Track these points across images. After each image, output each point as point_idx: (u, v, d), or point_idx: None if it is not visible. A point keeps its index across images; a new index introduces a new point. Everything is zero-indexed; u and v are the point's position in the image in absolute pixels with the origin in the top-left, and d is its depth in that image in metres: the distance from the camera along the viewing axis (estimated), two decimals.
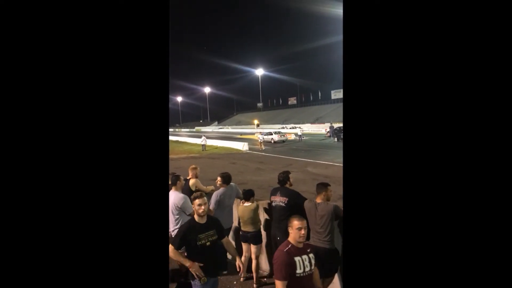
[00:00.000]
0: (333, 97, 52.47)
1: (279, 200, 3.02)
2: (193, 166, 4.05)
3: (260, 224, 3.34)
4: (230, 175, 3.53)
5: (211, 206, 3.30)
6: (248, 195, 3.27)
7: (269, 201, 3.37)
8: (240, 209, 3.28)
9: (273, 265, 1.96)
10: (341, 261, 2.70)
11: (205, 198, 2.33)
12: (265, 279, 3.43)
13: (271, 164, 12.67)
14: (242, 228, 3.30)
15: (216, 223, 2.45)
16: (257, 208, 3.25)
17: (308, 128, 37.01)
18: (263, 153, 16.94)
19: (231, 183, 3.50)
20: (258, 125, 37.69)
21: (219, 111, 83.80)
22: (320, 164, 11.68)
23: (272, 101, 73.34)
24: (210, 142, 23.68)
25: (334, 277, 2.78)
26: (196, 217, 2.33)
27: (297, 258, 1.95)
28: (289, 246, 1.99)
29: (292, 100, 65.93)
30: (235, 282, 3.35)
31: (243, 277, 3.33)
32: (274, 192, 3.14)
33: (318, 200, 2.77)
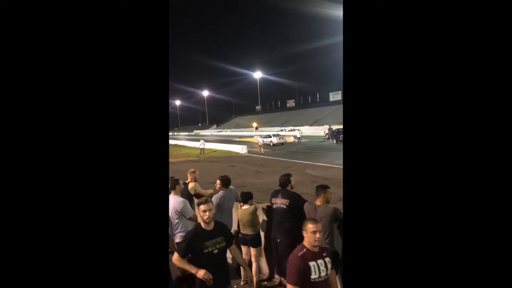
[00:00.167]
0: (331, 99, 52.56)
1: (280, 202, 3.01)
2: (192, 169, 4.04)
3: (260, 226, 3.34)
4: (229, 178, 3.53)
5: None
6: (246, 198, 3.26)
7: (268, 204, 3.36)
8: (239, 212, 3.27)
9: (286, 269, 1.91)
10: (341, 263, 2.69)
11: (210, 204, 2.22)
12: (265, 282, 3.41)
13: (270, 167, 12.66)
14: (241, 231, 3.29)
15: (224, 229, 2.33)
16: (255, 210, 3.25)
17: (307, 130, 37.02)
18: (262, 156, 16.93)
19: (230, 186, 3.49)
20: (257, 128, 37.70)
21: (218, 114, 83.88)
22: (319, 166, 11.68)
23: (270, 103, 73.45)
24: (209, 146, 23.67)
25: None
26: (202, 223, 2.23)
27: (312, 263, 1.88)
28: (304, 250, 1.92)
29: (291, 103, 66.03)
30: (235, 286, 3.33)
31: (243, 281, 3.31)
32: (275, 195, 3.13)
33: (318, 202, 2.76)
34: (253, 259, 3.27)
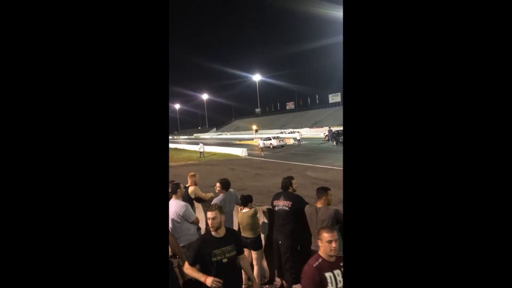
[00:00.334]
0: (330, 100, 52.68)
1: (282, 204, 3.00)
2: (192, 173, 4.03)
3: (260, 230, 3.32)
4: (229, 181, 3.52)
5: None
6: (246, 201, 3.26)
7: (268, 207, 3.35)
8: (239, 216, 3.27)
9: (301, 280, 1.83)
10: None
11: (217, 211, 2.11)
12: (266, 286, 3.39)
13: (270, 169, 12.65)
14: (242, 234, 3.28)
15: (235, 237, 2.20)
16: (255, 213, 3.24)
17: (307, 133, 37.07)
18: (262, 159, 16.92)
19: (230, 189, 3.49)
20: (256, 131, 37.73)
21: (218, 118, 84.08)
22: (320, 168, 11.67)
23: (270, 106, 73.63)
24: (208, 149, 23.66)
25: None
26: (211, 230, 2.12)
27: (328, 274, 1.78)
28: (319, 260, 1.83)
29: (290, 105, 66.15)
30: None
31: (244, 285, 3.29)
32: (277, 197, 3.11)
33: (319, 204, 2.75)
34: (254, 262, 3.26)
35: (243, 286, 3.28)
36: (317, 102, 58.57)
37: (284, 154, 18.27)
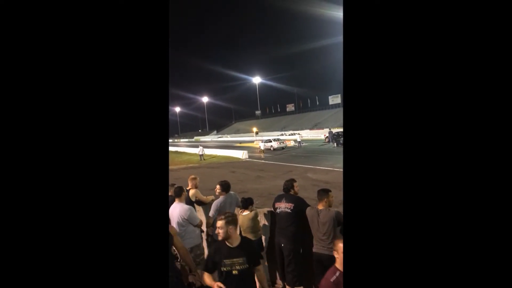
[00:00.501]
0: (330, 102, 52.79)
1: (284, 207, 2.98)
2: (193, 176, 4.02)
3: (261, 232, 3.31)
4: (229, 183, 3.52)
5: (211, 213, 3.30)
6: (246, 204, 3.25)
7: (269, 209, 3.34)
8: (240, 218, 3.25)
9: None
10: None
11: (223, 221, 2.00)
12: None
13: (271, 171, 12.64)
14: None
15: (249, 248, 2.04)
16: (256, 216, 3.23)
17: (307, 134, 37.08)
18: (262, 161, 16.91)
19: (230, 192, 3.48)
20: (257, 133, 37.75)
21: (218, 120, 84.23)
22: (320, 170, 11.65)
23: (270, 108, 73.68)
24: (209, 152, 23.65)
25: None
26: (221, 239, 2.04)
27: None
28: (337, 274, 1.71)
29: (290, 107, 66.26)
30: None
31: None
32: (278, 199, 3.10)
33: (320, 206, 2.74)
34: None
35: None
36: (317, 103, 58.68)
37: (284, 156, 18.26)
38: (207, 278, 2.01)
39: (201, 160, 20.11)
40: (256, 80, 59.83)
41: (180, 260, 2.54)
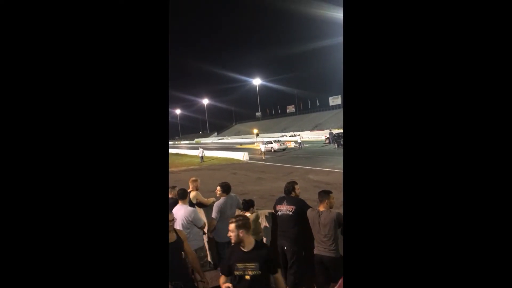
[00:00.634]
0: (331, 103, 52.79)
1: (285, 209, 2.97)
2: (194, 178, 4.02)
3: (262, 234, 3.30)
4: (229, 184, 3.52)
5: (213, 215, 3.29)
6: (247, 206, 3.24)
7: (270, 211, 3.33)
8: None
9: None
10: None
11: (234, 225, 1.96)
12: None
13: (272, 173, 12.63)
14: None
15: (263, 255, 1.95)
16: (257, 218, 3.22)
17: (308, 136, 37.09)
18: (263, 162, 16.90)
19: (231, 193, 3.48)
20: (257, 135, 37.72)
21: (218, 122, 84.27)
22: (321, 171, 11.64)
23: (270, 110, 73.73)
24: (210, 154, 23.66)
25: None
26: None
27: None
28: None
29: (291, 108, 66.28)
30: None
31: None
32: (279, 201, 3.08)
33: (321, 208, 2.73)
34: None
35: None
36: (318, 105, 58.73)
37: (285, 158, 18.25)
38: (222, 280, 1.99)
39: (201, 162, 20.12)
40: (256, 81, 59.90)
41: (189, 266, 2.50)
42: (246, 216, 2.15)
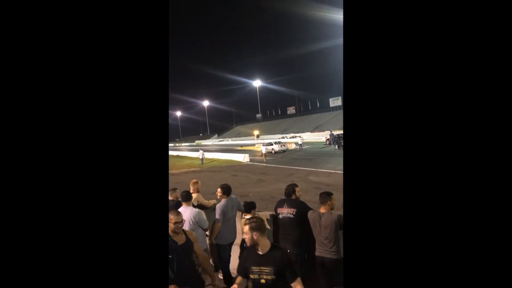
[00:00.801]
0: (331, 104, 52.75)
1: (286, 212, 2.96)
2: (194, 180, 4.02)
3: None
4: (229, 186, 3.51)
5: (217, 216, 3.29)
6: (249, 208, 3.23)
7: (271, 213, 3.32)
8: (242, 222, 3.23)
9: None
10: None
11: (247, 226, 1.90)
12: None
13: (273, 175, 12.63)
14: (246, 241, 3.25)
15: (278, 259, 1.86)
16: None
17: (308, 137, 37.04)
18: (264, 164, 16.89)
19: (231, 195, 3.47)
20: (258, 136, 37.75)
21: (219, 124, 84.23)
22: (322, 173, 11.63)
23: (270, 111, 73.70)
24: (210, 156, 23.66)
25: None
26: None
27: None
28: None
29: (291, 110, 66.25)
30: None
31: None
32: (280, 204, 3.07)
33: (322, 210, 2.72)
34: None
35: None
36: (318, 106, 58.68)
37: (286, 159, 18.24)
38: (237, 280, 1.97)
39: (202, 163, 20.11)
40: (257, 83, 60.00)
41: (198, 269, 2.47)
42: (260, 217, 2.09)
